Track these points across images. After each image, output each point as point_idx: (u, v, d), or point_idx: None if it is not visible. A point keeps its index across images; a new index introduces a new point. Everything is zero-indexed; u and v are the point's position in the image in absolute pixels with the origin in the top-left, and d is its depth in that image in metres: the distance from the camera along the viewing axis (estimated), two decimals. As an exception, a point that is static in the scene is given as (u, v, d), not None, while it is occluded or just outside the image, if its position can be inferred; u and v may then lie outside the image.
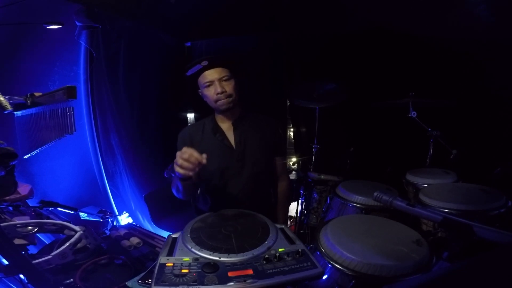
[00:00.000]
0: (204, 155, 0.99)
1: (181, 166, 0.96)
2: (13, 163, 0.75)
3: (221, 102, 1.30)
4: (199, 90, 1.37)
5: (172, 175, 1.12)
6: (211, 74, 1.28)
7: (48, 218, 1.23)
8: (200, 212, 1.48)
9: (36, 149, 1.06)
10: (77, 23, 1.97)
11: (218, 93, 1.28)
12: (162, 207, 2.35)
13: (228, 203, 1.33)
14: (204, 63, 1.27)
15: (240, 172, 1.35)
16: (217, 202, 1.39)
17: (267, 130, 1.43)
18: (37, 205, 1.38)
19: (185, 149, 0.98)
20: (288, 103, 2.92)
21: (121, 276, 0.90)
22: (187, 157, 0.97)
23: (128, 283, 0.83)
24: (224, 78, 1.29)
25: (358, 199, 1.44)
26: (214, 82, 1.29)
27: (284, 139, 1.51)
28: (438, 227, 0.98)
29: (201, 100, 1.40)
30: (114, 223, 1.52)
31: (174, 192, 1.38)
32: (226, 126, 1.40)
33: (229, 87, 1.30)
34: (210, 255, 0.69)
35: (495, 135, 1.91)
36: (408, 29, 2.05)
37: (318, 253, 0.87)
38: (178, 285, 0.60)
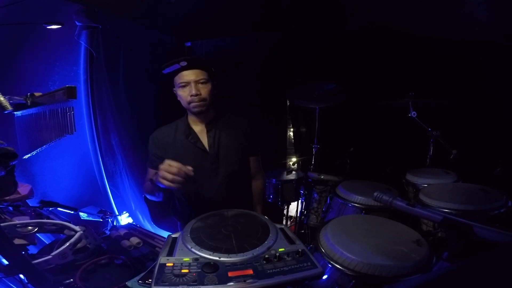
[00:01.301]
0: (190, 168, 1.00)
1: (172, 181, 0.97)
2: (13, 163, 0.75)
3: (193, 105, 1.28)
4: (174, 89, 1.34)
5: (158, 184, 1.06)
6: (188, 75, 1.25)
7: (48, 218, 1.22)
8: (180, 215, 1.47)
9: (36, 149, 1.05)
10: (77, 23, 1.97)
11: (192, 95, 1.25)
12: (162, 207, 2.34)
13: (204, 205, 1.32)
14: (183, 63, 1.24)
15: (215, 174, 1.33)
16: (193, 205, 1.38)
17: (240, 130, 1.41)
18: (37, 205, 1.38)
19: (171, 162, 0.99)
20: (288, 103, 2.92)
21: (121, 276, 0.90)
22: (175, 171, 0.97)
23: (128, 283, 0.83)
24: (201, 81, 1.26)
25: (358, 199, 1.44)
26: (190, 84, 1.26)
27: (257, 138, 1.47)
28: (438, 227, 0.98)
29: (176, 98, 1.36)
30: (114, 223, 1.52)
31: (149, 196, 1.35)
32: (199, 128, 1.37)
33: (204, 90, 1.27)
34: (210, 255, 0.69)
35: (495, 135, 1.91)
36: (408, 29, 2.05)
37: (318, 253, 0.87)
38: (178, 285, 0.60)
